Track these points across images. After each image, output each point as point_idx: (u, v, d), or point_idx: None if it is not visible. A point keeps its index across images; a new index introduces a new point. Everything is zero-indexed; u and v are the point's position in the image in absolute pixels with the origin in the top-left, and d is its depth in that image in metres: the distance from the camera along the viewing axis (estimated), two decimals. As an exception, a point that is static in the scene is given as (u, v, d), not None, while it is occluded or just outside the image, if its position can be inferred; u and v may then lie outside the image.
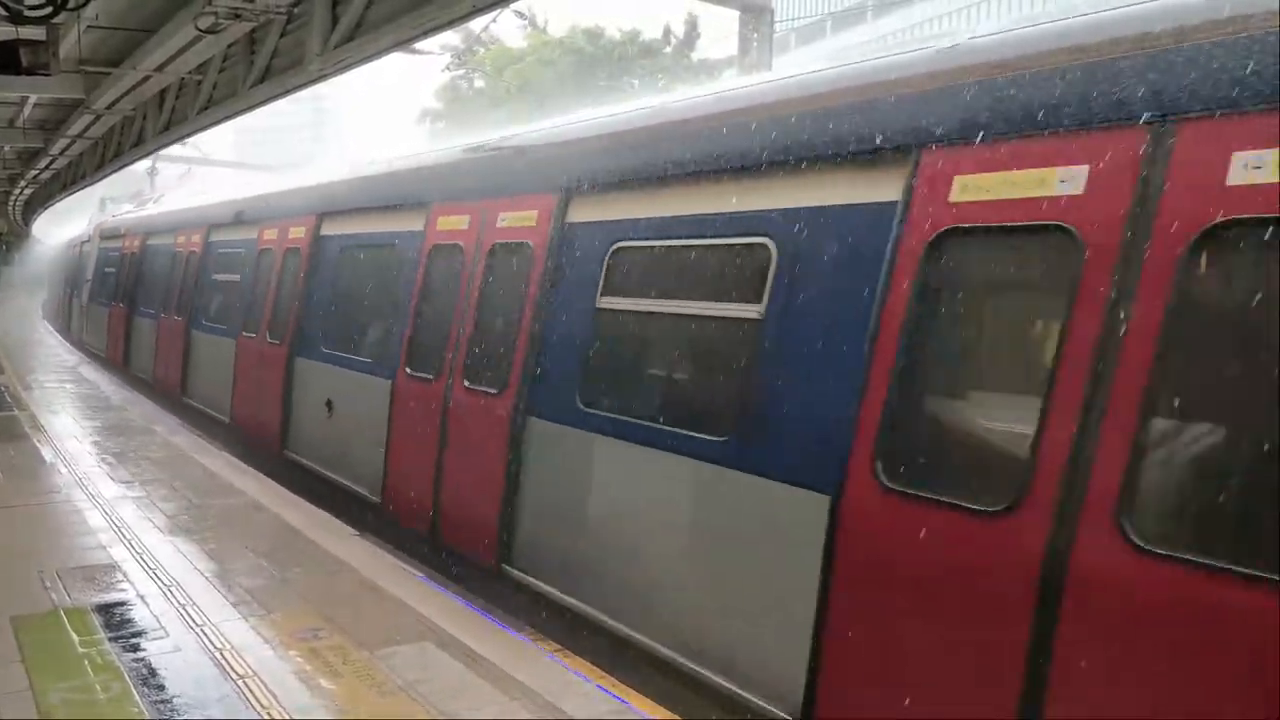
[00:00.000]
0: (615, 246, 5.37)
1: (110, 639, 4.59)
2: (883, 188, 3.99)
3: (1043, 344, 3.58)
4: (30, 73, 7.33)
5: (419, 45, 7.94)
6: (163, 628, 4.76)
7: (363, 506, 7.28)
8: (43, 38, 7.18)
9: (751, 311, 4.44)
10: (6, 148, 17.08)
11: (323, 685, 4.16)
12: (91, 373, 15.47)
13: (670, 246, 5.10)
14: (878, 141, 4.03)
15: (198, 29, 7.81)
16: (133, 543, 6.16)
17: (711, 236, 4.83)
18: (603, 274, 5.40)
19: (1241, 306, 3.12)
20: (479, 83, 40.42)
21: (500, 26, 42.44)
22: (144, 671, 4.25)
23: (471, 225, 6.61)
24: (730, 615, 4.41)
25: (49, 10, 6.66)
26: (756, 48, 21.53)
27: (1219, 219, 3.00)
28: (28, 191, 23.34)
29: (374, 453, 7.18)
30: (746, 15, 21.69)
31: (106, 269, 18.79)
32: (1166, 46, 3.28)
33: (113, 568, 5.66)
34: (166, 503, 7.27)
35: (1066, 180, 3.38)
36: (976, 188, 3.63)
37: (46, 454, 8.90)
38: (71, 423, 10.71)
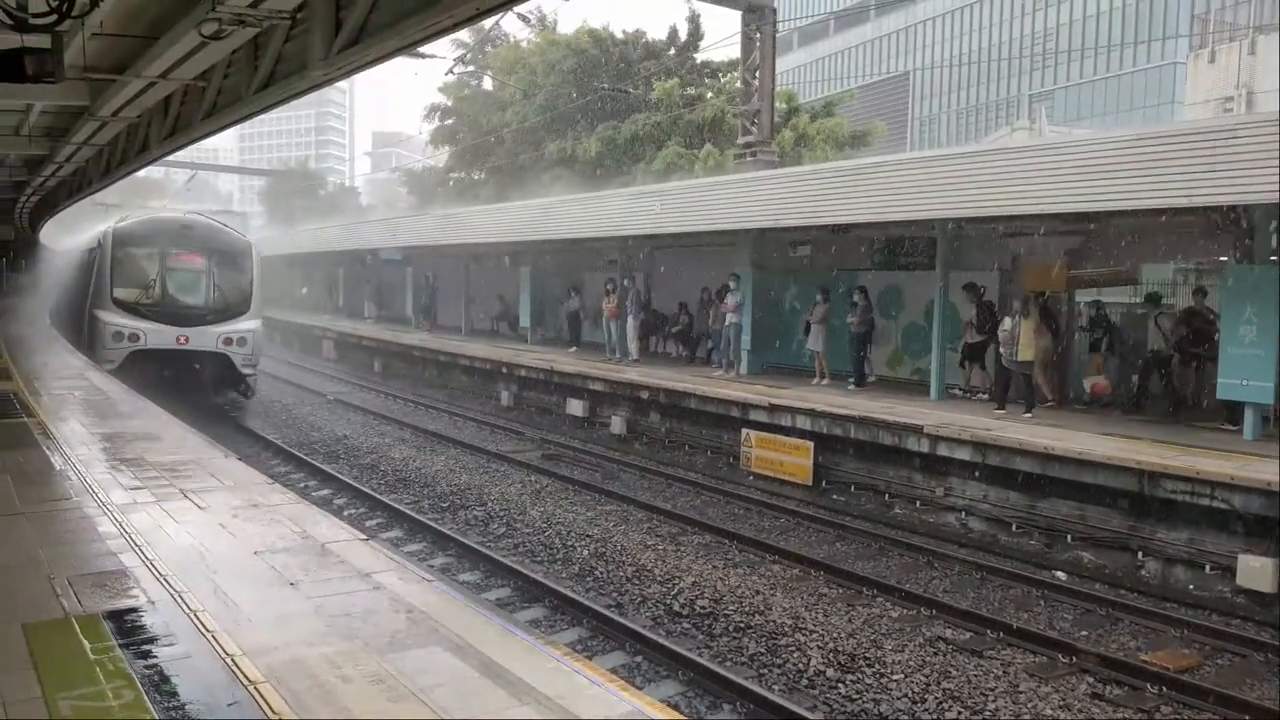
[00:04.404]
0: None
1: (121, 646, 4.60)
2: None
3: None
4: (36, 80, 7.35)
5: (424, 49, 8.10)
6: (174, 634, 4.76)
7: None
8: (48, 45, 7.19)
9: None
10: (12, 155, 17.16)
11: (334, 691, 4.16)
12: (100, 379, 15.52)
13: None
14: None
15: (201, 35, 7.79)
16: (143, 549, 6.17)
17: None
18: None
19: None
20: (487, 83, 40.51)
21: (507, 22, 42.37)
22: (155, 678, 4.26)
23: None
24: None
25: (54, 18, 6.66)
26: (759, 48, 21.51)
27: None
28: (34, 199, 23.53)
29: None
30: (749, 15, 21.68)
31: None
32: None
33: (123, 574, 5.67)
34: (177, 508, 7.29)
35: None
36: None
37: (56, 461, 8.93)
38: (81, 429, 10.74)
